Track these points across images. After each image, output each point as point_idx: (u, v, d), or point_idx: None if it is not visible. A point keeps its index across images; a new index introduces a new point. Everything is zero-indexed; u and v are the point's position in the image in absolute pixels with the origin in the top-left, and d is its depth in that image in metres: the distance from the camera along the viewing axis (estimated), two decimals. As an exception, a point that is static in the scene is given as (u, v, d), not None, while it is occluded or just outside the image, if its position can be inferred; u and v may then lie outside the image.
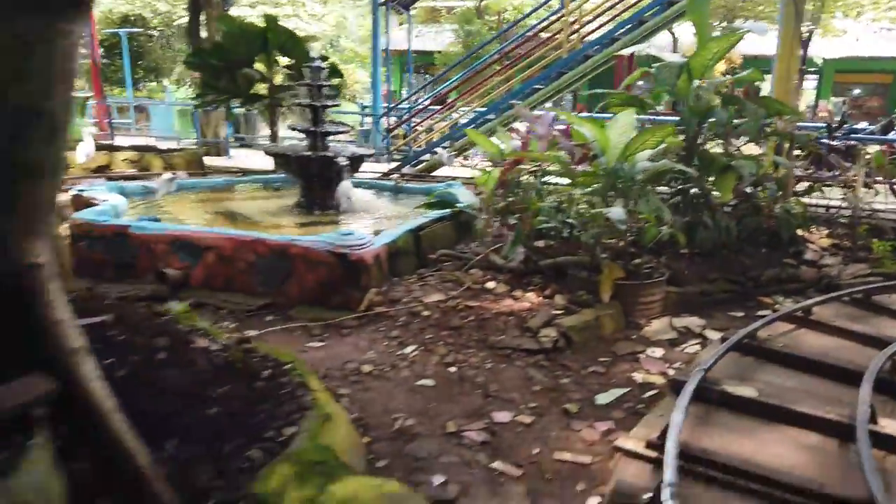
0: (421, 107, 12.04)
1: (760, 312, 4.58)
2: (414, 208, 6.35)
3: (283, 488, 1.98)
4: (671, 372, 3.54)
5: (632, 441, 2.44)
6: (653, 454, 2.34)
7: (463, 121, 10.82)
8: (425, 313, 4.06)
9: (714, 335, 4.07)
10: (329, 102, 6.32)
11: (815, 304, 4.07)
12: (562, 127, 5.07)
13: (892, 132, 9.59)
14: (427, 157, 10.51)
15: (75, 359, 1.94)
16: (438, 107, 11.83)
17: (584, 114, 7.55)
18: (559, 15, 9.34)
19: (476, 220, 4.88)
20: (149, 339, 2.39)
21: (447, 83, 12.37)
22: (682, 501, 2.01)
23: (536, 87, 9.56)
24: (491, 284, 4.45)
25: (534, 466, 2.65)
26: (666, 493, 1.99)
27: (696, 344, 4.00)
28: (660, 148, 4.30)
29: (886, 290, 4.56)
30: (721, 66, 17.20)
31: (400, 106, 13.18)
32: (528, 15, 10.55)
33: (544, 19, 10.30)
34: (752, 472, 2.22)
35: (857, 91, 23.44)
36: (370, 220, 6.08)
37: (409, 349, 3.68)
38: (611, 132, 4.09)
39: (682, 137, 5.00)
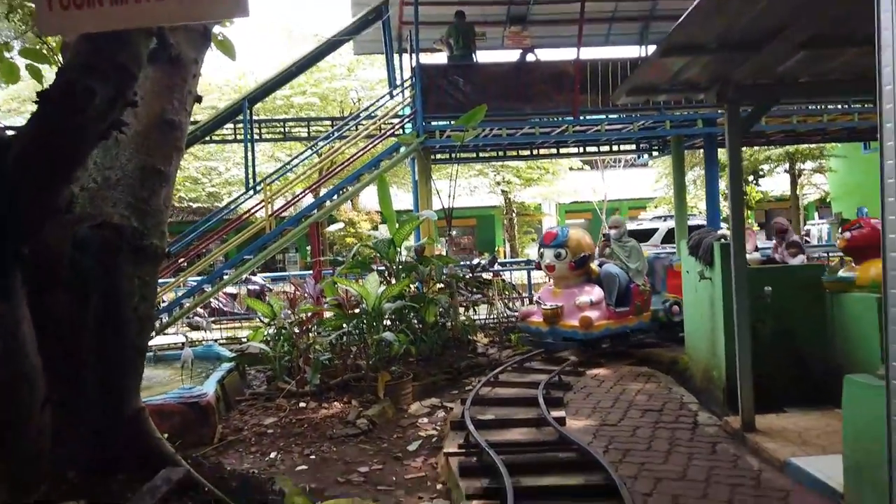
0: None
1: (468, 388, 7.20)
2: (174, 371, 7.47)
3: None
4: (437, 428, 5.77)
5: (451, 448, 4.58)
6: (462, 450, 4.52)
7: (169, 295, 11.77)
8: (269, 431, 5.59)
9: (449, 404, 6.47)
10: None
11: (497, 373, 6.84)
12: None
13: (496, 265, 13.93)
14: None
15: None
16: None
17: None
18: (259, 201, 11.45)
19: (273, 363, 6.54)
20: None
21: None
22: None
23: (246, 256, 11.39)
24: (302, 405, 6.16)
25: (397, 483, 4.56)
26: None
27: (442, 411, 6.32)
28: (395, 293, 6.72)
29: (527, 360, 7.65)
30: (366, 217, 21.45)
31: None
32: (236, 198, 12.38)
33: (242, 201, 12.31)
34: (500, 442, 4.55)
35: (453, 232, 31.02)
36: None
37: (273, 455, 5.19)
38: (368, 286, 6.38)
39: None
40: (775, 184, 28.50)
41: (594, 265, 8.07)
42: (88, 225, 3.29)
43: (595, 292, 7.58)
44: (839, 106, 11.81)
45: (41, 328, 2.96)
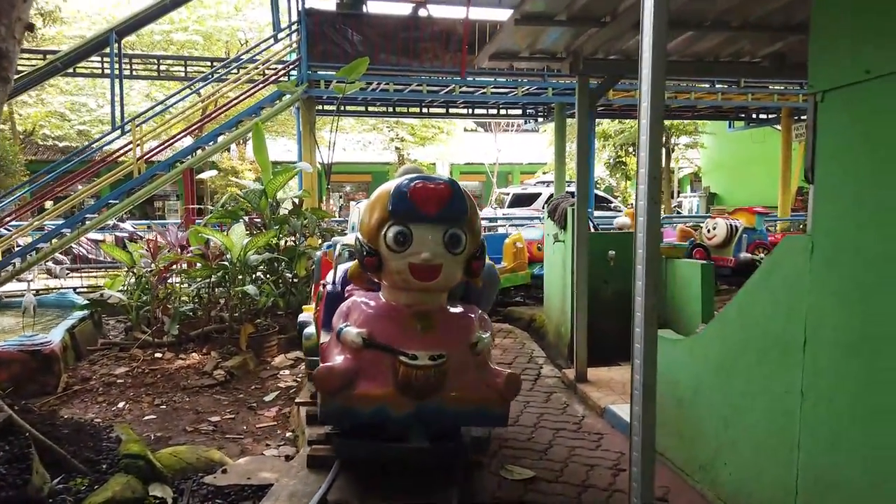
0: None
1: (335, 341, 7.28)
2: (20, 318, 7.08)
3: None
4: (297, 380, 5.84)
5: (304, 398, 4.67)
6: (312, 399, 4.61)
7: (25, 239, 10.99)
8: (119, 381, 5.43)
9: (314, 358, 6.54)
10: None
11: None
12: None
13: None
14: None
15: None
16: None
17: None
18: (125, 143, 10.75)
19: (130, 312, 6.32)
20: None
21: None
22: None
23: (111, 201, 10.75)
24: (158, 355, 6.00)
25: (247, 432, 4.60)
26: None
27: (304, 364, 6.38)
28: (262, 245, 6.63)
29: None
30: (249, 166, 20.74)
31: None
32: (100, 139, 11.49)
33: (108, 142, 11.50)
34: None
35: (348, 187, 30.74)
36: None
37: (121, 404, 5.06)
38: (233, 237, 6.25)
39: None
40: (655, 156, 30.18)
41: None
42: None
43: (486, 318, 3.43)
44: (706, 85, 12.65)
45: None
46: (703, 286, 5.36)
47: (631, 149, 26.28)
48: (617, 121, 22.35)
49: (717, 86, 12.58)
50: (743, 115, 15.83)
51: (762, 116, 15.77)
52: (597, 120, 17.04)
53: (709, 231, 8.26)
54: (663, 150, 27.28)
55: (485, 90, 12.08)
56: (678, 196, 29.90)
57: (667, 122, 22.47)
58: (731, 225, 8.21)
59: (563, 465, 3.59)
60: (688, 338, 3.44)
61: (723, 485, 3.01)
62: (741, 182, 23.34)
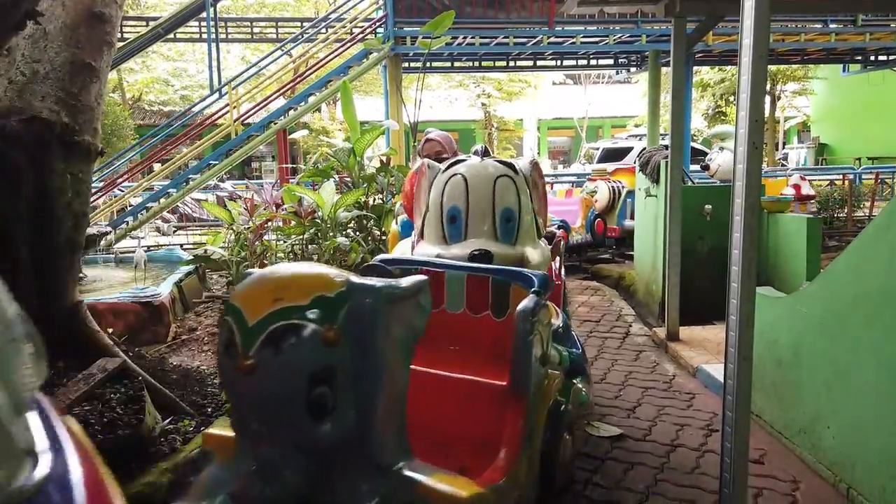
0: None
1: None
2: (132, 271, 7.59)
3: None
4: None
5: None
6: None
7: (136, 199, 11.71)
8: (222, 331, 5.78)
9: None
10: None
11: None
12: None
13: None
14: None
15: None
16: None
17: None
18: (223, 105, 11.20)
19: (231, 267, 6.68)
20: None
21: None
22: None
23: (212, 162, 11.28)
24: (257, 307, 6.32)
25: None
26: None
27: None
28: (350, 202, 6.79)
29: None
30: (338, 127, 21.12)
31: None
32: (198, 102, 12.06)
33: (207, 105, 12.03)
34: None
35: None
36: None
37: (224, 353, 5.38)
38: (323, 194, 6.42)
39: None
40: (758, 105, 28.23)
41: None
42: (17, 119, 3.28)
43: None
44: (817, 25, 11.63)
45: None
46: (809, 243, 5.01)
47: (731, 98, 24.76)
48: (717, 69, 21.06)
49: (831, 25, 11.53)
50: (860, 58, 14.48)
51: (881, 58, 14.37)
52: (694, 69, 16.08)
53: (591, 195, 7.53)
54: (767, 98, 25.66)
55: (574, 40, 11.64)
56: (784, 147, 28.02)
57: (772, 68, 20.95)
58: (613, 188, 7.40)
59: (652, 423, 3.51)
60: (789, 295, 3.24)
61: (825, 449, 2.85)
62: (855, 131, 21.53)
